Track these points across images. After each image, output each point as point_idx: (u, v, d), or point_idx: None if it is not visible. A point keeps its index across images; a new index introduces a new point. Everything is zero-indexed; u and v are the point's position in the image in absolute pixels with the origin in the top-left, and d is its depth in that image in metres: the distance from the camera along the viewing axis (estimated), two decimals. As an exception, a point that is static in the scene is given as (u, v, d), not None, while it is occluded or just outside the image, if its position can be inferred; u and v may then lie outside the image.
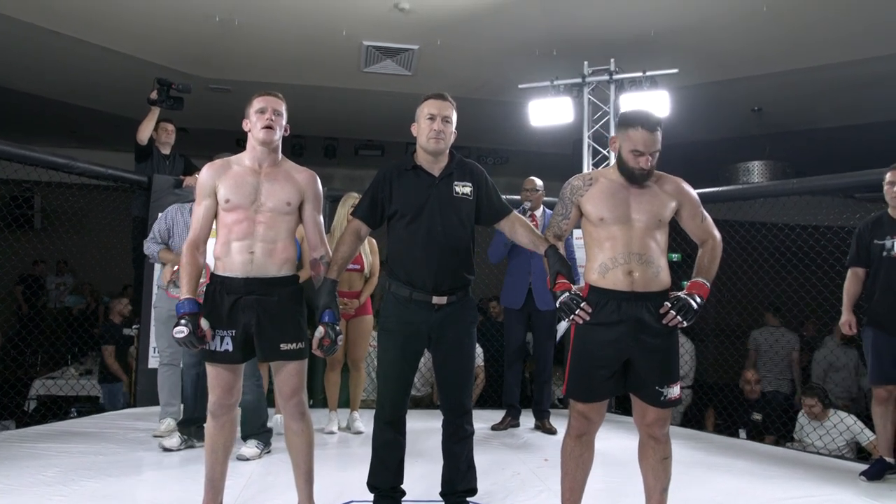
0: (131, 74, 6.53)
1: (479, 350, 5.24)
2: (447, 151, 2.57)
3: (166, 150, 5.36)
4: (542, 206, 4.49)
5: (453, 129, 2.55)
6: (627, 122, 2.41)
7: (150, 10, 5.60)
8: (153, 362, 4.62)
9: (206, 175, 2.44)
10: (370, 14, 5.65)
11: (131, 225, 5.24)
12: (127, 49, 6.24)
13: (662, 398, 2.37)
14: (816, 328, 6.05)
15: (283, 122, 2.47)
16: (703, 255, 2.48)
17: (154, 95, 5.01)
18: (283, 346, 2.36)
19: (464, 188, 2.54)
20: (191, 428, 3.60)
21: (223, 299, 2.35)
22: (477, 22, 5.89)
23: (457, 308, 2.52)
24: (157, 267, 4.36)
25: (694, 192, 2.50)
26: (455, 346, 2.52)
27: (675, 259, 7.79)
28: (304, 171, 2.51)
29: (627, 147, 2.38)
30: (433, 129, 2.50)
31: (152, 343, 4.67)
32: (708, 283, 2.41)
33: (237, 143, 6.78)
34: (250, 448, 3.43)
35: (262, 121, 2.40)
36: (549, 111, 5.81)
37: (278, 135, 2.45)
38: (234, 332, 2.35)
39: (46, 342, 6.48)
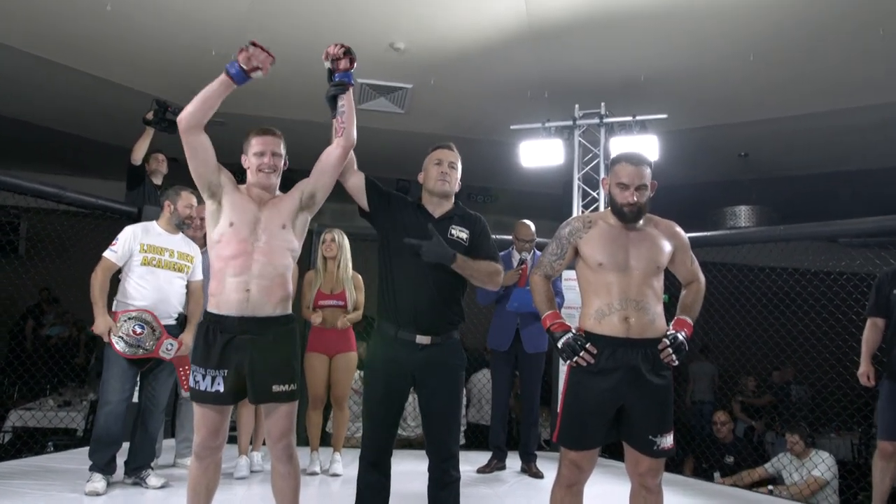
0: (124, 104, 6.53)
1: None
2: (452, 199, 2.62)
3: (158, 180, 5.34)
4: (534, 248, 4.48)
5: (458, 176, 2.62)
6: (614, 159, 2.50)
7: (145, 42, 5.65)
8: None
9: (222, 169, 2.44)
10: (365, 52, 5.64)
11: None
12: (120, 79, 6.26)
13: (656, 447, 2.34)
14: (794, 374, 6.07)
15: (282, 162, 2.47)
16: (688, 295, 2.51)
17: (150, 116, 5.02)
18: (276, 388, 2.31)
19: (460, 233, 2.56)
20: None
21: (216, 338, 2.31)
22: (470, 63, 5.98)
23: (442, 349, 2.50)
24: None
25: (685, 236, 2.52)
26: (439, 388, 2.49)
27: (664, 300, 7.88)
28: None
29: (614, 182, 2.43)
30: (441, 172, 2.57)
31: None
32: (692, 322, 2.42)
33: (226, 166, 6.77)
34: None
35: (261, 165, 2.40)
36: (540, 152, 5.88)
37: (276, 178, 2.45)
38: (225, 372, 2.30)
39: (25, 372, 6.35)
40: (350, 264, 4.12)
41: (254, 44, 2.27)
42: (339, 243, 4.09)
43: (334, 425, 4.15)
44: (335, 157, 2.48)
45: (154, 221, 3.63)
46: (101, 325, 3.31)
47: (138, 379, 3.57)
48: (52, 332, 8.25)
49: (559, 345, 2.36)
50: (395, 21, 5.48)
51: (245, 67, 2.28)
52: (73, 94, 6.63)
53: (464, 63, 5.97)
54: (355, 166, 2.61)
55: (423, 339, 2.46)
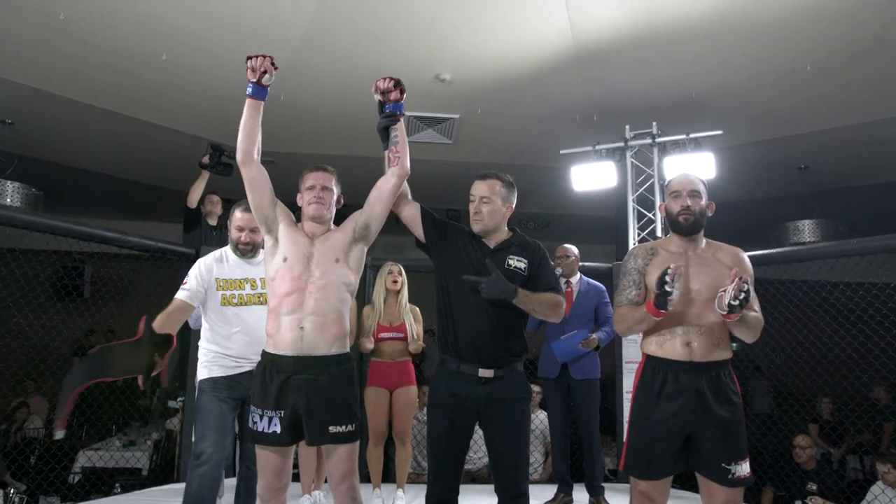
0: (179, 148, 6.74)
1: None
2: (504, 228, 2.58)
3: (213, 221, 5.46)
4: (577, 273, 4.35)
5: (496, 206, 2.53)
6: (667, 182, 2.52)
7: (199, 87, 5.82)
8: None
9: (278, 203, 2.46)
10: (412, 85, 5.68)
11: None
12: (176, 125, 6.47)
13: (731, 476, 2.23)
14: (887, 391, 5.72)
15: (334, 198, 2.47)
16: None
17: (205, 160, 5.15)
18: (333, 429, 2.27)
19: (518, 262, 2.49)
20: None
21: (273, 379, 2.29)
22: (516, 90, 5.96)
23: (506, 383, 2.43)
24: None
25: (749, 266, 2.43)
26: (504, 423, 2.41)
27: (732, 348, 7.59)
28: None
29: (668, 196, 2.44)
30: (472, 212, 2.54)
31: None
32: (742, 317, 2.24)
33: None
34: None
35: (311, 197, 2.41)
36: (591, 176, 5.78)
37: (327, 211, 2.44)
38: (282, 413, 2.27)
39: (92, 413, 6.49)
40: (407, 296, 4.10)
41: (248, 58, 2.34)
42: (403, 277, 4.10)
43: (397, 461, 4.07)
44: (390, 187, 2.47)
45: (228, 248, 3.08)
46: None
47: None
48: (116, 374, 8.42)
49: (660, 295, 2.19)
50: (440, 52, 5.51)
51: (255, 80, 2.34)
52: (131, 142, 6.88)
53: (510, 90, 5.95)
54: (409, 196, 2.59)
55: (485, 373, 2.39)
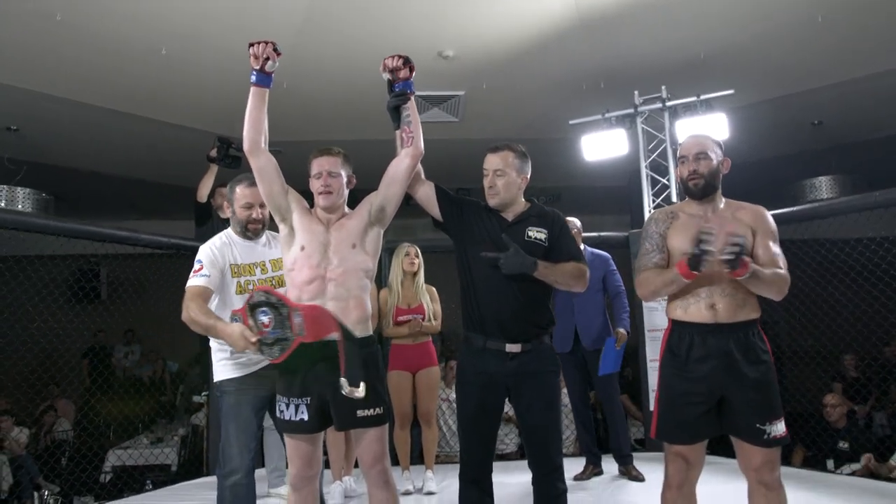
0: (185, 144, 6.69)
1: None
2: (521, 200, 2.53)
3: (224, 215, 5.42)
4: (582, 244, 4.29)
5: (511, 178, 2.48)
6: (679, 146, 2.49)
7: (201, 80, 5.76)
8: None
9: (290, 190, 2.41)
10: (415, 64, 5.69)
11: (195, 291, 5.27)
12: (181, 120, 6.42)
13: (766, 436, 2.19)
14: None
15: (343, 180, 2.40)
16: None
17: (213, 153, 5.11)
18: (361, 413, 2.24)
19: (538, 234, 2.45)
20: None
21: (297, 366, 2.26)
22: (521, 63, 5.86)
23: (533, 356, 2.39)
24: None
25: (772, 224, 2.36)
26: (535, 397, 2.38)
27: None
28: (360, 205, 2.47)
29: (678, 159, 2.42)
30: (487, 186, 2.49)
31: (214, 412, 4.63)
32: (754, 270, 2.15)
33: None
34: None
35: (319, 186, 2.36)
36: (602, 145, 5.69)
37: (337, 197, 2.38)
38: (308, 399, 2.25)
39: (119, 413, 6.56)
40: (423, 277, 4.08)
41: (250, 45, 2.30)
42: (419, 257, 4.08)
43: (424, 442, 4.08)
44: (404, 168, 2.42)
45: (230, 230, 2.83)
46: (236, 336, 2.24)
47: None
48: (140, 372, 8.53)
49: (696, 256, 2.12)
50: (441, 29, 5.42)
51: (258, 68, 2.30)
52: (137, 141, 6.86)
53: (514, 63, 5.85)
54: (423, 176, 2.55)
55: (513, 348, 2.36)
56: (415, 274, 4.05)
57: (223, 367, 2.74)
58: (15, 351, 6.05)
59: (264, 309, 2.17)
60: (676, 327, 2.32)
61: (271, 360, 2.21)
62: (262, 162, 2.34)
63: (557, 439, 2.40)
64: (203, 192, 5.25)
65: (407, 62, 2.40)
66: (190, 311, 2.43)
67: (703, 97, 5.33)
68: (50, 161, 7.14)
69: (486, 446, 2.41)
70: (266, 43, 2.29)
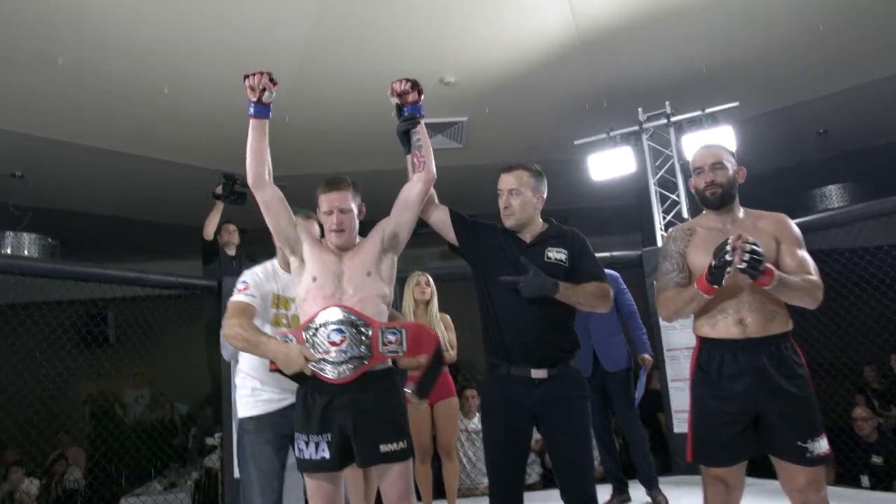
0: (190, 182, 6.68)
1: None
2: (538, 220, 2.46)
3: (231, 251, 5.39)
4: None
5: (527, 198, 2.42)
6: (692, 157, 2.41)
7: (201, 119, 5.76)
8: (238, 472, 4.45)
9: (298, 221, 2.34)
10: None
11: (204, 330, 5.22)
12: (183, 158, 6.43)
13: (809, 455, 2.09)
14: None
15: (354, 214, 2.33)
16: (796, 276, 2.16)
17: (219, 190, 5.09)
18: (384, 448, 2.14)
19: (558, 254, 2.37)
20: None
21: (315, 401, 2.18)
22: (522, 85, 5.85)
23: (560, 382, 2.31)
24: (233, 371, 4.23)
25: (796, 230, 2.28)
26: (564, 424, 2.29)
27: None
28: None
29: (692, 171, 2.35)
30: (502, 206, 2.43)
31: (236, 451, 4.52)
32: (780, 278, 2.05)
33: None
34: None
35: (331, 224, 2.28)
36: (609, 163, 5.67)
37: (349, 234, 2.31)
38: (329, 436, 2.16)
39: (131, 459, 6.44)
40: (437, 306, 3.99)
41: (246, 77, 2.25)
42: (432, 286, 3.99)
43: (445, 477, 3.95)
44: (417, 193, 2.36)
45: (275, 261, 2.73)
46: (294, 354, 2.15)
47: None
48: (150, 416, 8.42)
49: (717, 268, 2.03)
50: (441, 55, 5.42)
51: (256, 99, 2.24)
52: (142, 182, 6.85)
53: (516, 86, 5.84)
54: (437, 200, 2.49)
55: (538, 374, 2.28)
56: (427, 302, 3.96)
57: (244, 404, 2.68)
58: (24, 398, 5.97)
59: (338, 328, 2.16)
60: (705, 345, 2.24)
61: (335, 381, 2.15)
62: (267, 195, 2.29)
63: (590, 469, 2.30)
64: (209, 230, 5.22)
65: (415, 86, 2.35)
66: (234, 327, 2.30)
67: (707, 111, 5.31)
68: (55, 206, 7.14)
69: (515, 477, 2.31)
70: (262, 74, 2.23)
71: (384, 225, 2.37)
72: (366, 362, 2.16)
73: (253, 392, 2.66)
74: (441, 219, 2.45)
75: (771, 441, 2.14)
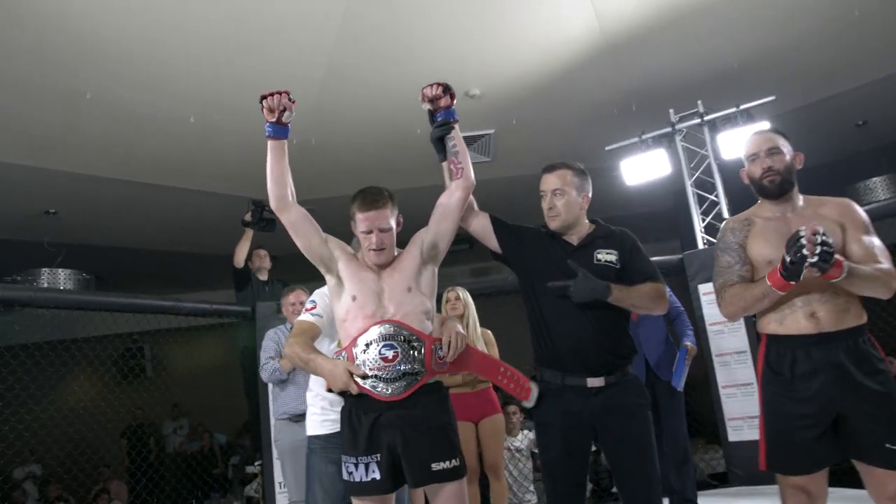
0: (219, 211, 6.71)
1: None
2: (584, 221, 2.34)
3: (264, 276, 5.35)
4: None
5: (572, 198, 2.29)
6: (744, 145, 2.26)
7: (227, 147, 5.76)
8: (281, 499, 4.36)
9: (329, 239, 2.23)
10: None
11: (240, 356, 5.17)
12: (211, 187, 6.44)
13: None
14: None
15: (394, 231, 2.21)
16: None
17: (248, 217, 5.06)
18: (436, 466, 2.02)
19: (607, 255, 2.24)
20: None
21: (361, 421, 2.07)
22: (549, 93, 5.76)
23: (619, 390, 2.17)
24: (271, 398, 4.16)
25: (862, 214, 2.12)
26: (626, 434, 2.14)
27: None
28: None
29: (746, 160, 2.20)
30: (546, 208, 2.31)
31: (277, 478, 4.44)
32: (849, 269, 1.91)
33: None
34: None
35: (370, 243, 2.15)
36: (643, 168, 5.52)
37: (389, 253, 2.20)
38: (378, 456, 2.04)
39: (170, 490, 6.39)
40: (477, 321, 3.86)
41: (263, 98, 2.14)
42: (464, 301, 3.85)
43: (494, 497, 3.80)
44: (456, 201, 2.25)
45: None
46: (339, 372, 2.08)
47: None
48: (190, 447, 8.40)
49: (794, 264, 1.88)
50: (466, 68, 5.36)
51: (274, 120, 2.14)
52: (171, 213, 6.89)
53: (543, 95, 5.75)
54: (476, 207, 2.38)
55: (595, 382, 2.14)
56: (461, 317, 3.83)
57: (313, 423, 2.67)
58: (63, 433, 5.98)
59: (390, 343, 2.07)
60: (773, 343, 2.08)
61: (388, 398, 2.06)
62: (293, 216, 2.18)
63: (655, 480, 2.14)
64: (240, 258, 5.19)
65: (447, 90, 2.25)
66: (293, 345, 2.29)
67: (742, 107, 5.14)
68: (88, 241, 7.21)
69: (575, 494, 2.16)
70: (280, 94, 2.13)
71: (423, 236, 2.26)
72: (419, 378, 2.07)
73: (322, 411, 2.67)
74: (482, 226, 2.34)
75: (855, 444, 1.97)
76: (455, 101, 2.29)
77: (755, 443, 4.60)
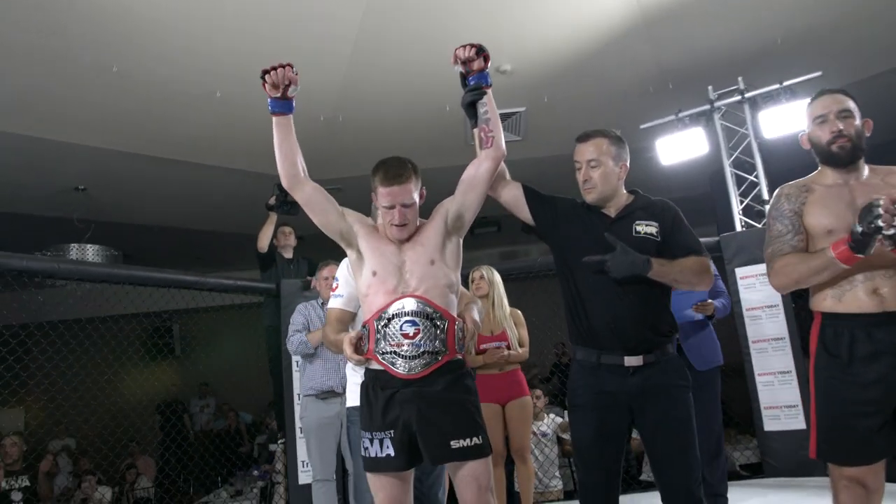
0: (244, 190, 6.66)
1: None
2: (622, 191, 2.21)
3: (288, 254, 5.30)
4: None
5: (609, 168, 2.16)
6: (810, 103, 2.07)
7: (254, 123, 5.59)
8: (304, 478, 4.32)
9: (346, 212, 2.14)
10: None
11: (265, 335, 5.13)
12: (237, 164, 6.38)
13: None
14: None
15: (417, 205, 2.10)
16: None
17: (272, 201, 5.00)
18: (455, 444, 1.93)
19: (647, 227, 2.11)
20: None
21: (377, 396, 1.99)
22: (582, 71, 5.58)
23: (659, 370, 2.05)
24: (299, 373, 4.10)
25: None
26: (665, 417, 2.02)
27: None
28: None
29: (811, 122, 2.01)
30: (581, 180, 2.18)
31: (300, 457, 4.40)
32: None
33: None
34: None
35: (392, 218, 2.05)
36: (679, 147, 5.33)
37: (412, 228, 2.10)
38: (392, 432, 1.96)
39: (196, 467, 6.44)
40: (505, 300, 3.76)
41: (264, 72, 2.02)
42: (490, 279, 3.74)
43: (520, 481, 3.72)
44: (485, 171, 2.14)
45: None
46: (343, 346, 2.05)
47: None
48: (216, 426, 8.46)
49: (866, 236, 1.73)
50: (497, 42, 5.18)
51: (278, 95, 2.04)
52: (197, 190, 6.87)
53: (576, 72, 5.57)
54: (507, 176, 2.26)
55: (632, 361, 2.02)
56: (487, 297, 3.72)
57: (353, 395, 2.57)
58: (93, 412, 6.03)
59: (412, 319, 1.99)
60: (829, 321, 1.93)
61: (404, 375, 1.98)
62: (306, 193, 2.11)
63: (695, 467, 2.02)
64: (263, 243, 5.13)
65: (480, 51, 2.13)
66: (326, 333, 2.35)
67: (785, 83, 4.91)
68: (117, 219, 7.23)
69: (610, 480, 2.05)
70: (283, 67, 2.02)
71: (447, 206, 2.15)
72: (440, 358, 1.99)
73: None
74: (514, 196, 2.22)
75: None
76: (489, 65, 2.17)
77: (792, 433, 4.48)
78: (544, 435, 5.20)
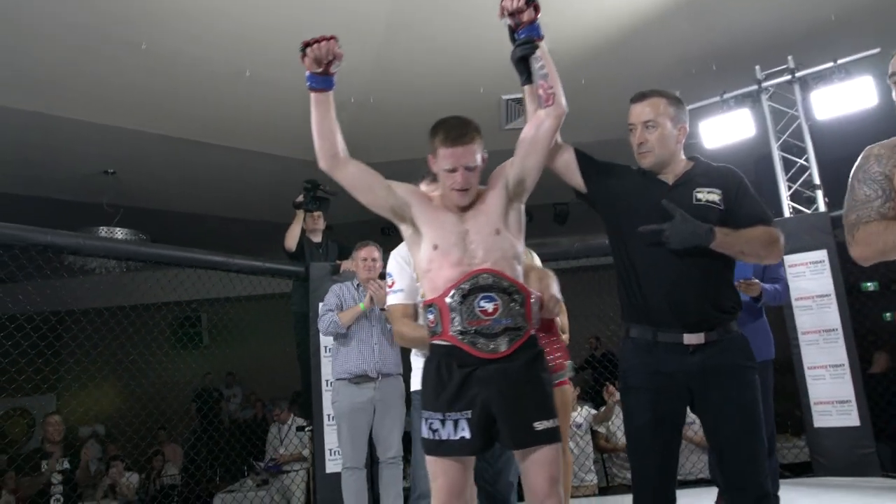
0: (275, 177, 6.57)
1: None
2: (681, 157, 2.04)
3: (317, 238, 5.17)
4: None
5: (667, 131, 2.00)
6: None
7: (282, 104, 5.49)
8: (332, 466, 4.20)
9: (393, 185, 1.97)
10: (506, 65, 5.30)
11: (292, 320, 5.02)
12: (266, 147, 6.31)
13: None
14: None
15: (479, 170, 1.92)
16: None
17: (300, 199, 4.90)
18: (539, 426, 1.78)
19: (709, 195, 1.94)
20: None
21: (451, 374, 1.82)
22: (621, 51, 5.37)
23: (721, 348, 1.87)
24: (332, 356, 3.96)
25: None
26: (727, 400, 1.84)
27: (870, 288, 6.48)
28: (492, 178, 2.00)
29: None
30: (636, 143, 2.01)
31: (328, 444, 4.28)
32: None
33: (382, 231, 6.56)
34: None
35: (454, 184, 1.89)
36: (724, 129, 5.10)
37: (473, 193, 1.93)
38: (469, 413, 1.80)
39: (222, 455, 6.39)
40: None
41: (306, 45, 1.83)
42: (530, 263, 3.57)
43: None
44: (546, 130, 1.96)
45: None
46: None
47: None
48: (244, 415, 8.43)
49: None
50: (533, 21, 5.03)
51: (318, 70, 1.86)
52: (226, 175, 6.82)
53: (615, 52, 5.37)
54: (560, 140, 2.09)
55: (692, 339, 1.85)
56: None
57: (417, 379, 2.43)
58: (125, 400, 6.03)
59: (489, 294, 1.83)
60: None
61: (488, 355, 1.82)
62: (349, 172, 1.93)
63: (762, 455, 1.83)
64: (291, 242, 5.01)
65: (530, 1, 1.95)
66: (401, 333, 2.41)
67: (840, 62, 4.65)
68: (145, 204, 7.22)
69: (667, 468, 1.88)
70: (328, 39, 1.84)
71: (507, 171, 1.97)
72: (522, 334, 1.84)
73: None
74: (565, 161, 2.06)
75: None
76: (539, 15, 2.00)
77: (845, 429, 4.25)
78: (578, 426, 5.04)
